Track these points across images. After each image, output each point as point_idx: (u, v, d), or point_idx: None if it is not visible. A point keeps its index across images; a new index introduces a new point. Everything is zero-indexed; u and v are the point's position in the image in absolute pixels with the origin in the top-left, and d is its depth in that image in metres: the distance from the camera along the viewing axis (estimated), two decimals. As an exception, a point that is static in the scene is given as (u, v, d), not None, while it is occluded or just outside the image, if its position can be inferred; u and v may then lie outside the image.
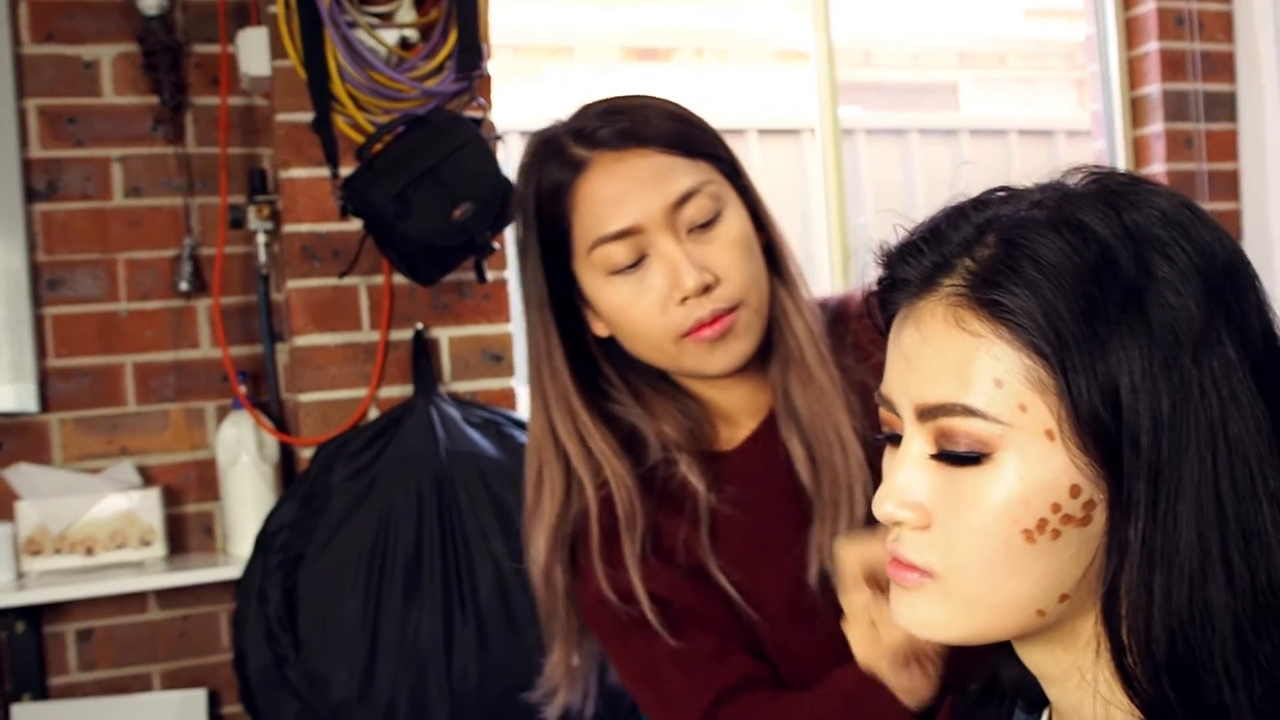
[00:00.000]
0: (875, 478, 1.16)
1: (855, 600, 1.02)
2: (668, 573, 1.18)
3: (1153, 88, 2.89)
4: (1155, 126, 2.89)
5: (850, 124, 5.01)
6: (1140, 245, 0.65)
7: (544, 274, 1.17)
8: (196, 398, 2.42)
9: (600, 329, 1.19)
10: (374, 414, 2.21)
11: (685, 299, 1.11)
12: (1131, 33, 2.93)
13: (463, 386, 2.28)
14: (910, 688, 1.02)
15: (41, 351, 2.32)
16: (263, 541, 2.09)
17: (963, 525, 0.68)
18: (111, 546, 2.23)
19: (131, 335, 2.39)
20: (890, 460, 0.73)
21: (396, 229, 2.00)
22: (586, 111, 1.17)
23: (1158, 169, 2.90)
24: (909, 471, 0.71)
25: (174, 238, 2.41)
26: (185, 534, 2.41)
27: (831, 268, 2.90)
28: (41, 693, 2.27)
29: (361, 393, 2.22)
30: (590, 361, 1.23)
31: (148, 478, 2.37)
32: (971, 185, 0.75)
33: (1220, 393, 0.64)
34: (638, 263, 1.12)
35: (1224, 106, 2.92)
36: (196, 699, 2.31)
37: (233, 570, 2.19)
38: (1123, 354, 0.64)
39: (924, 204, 0.73)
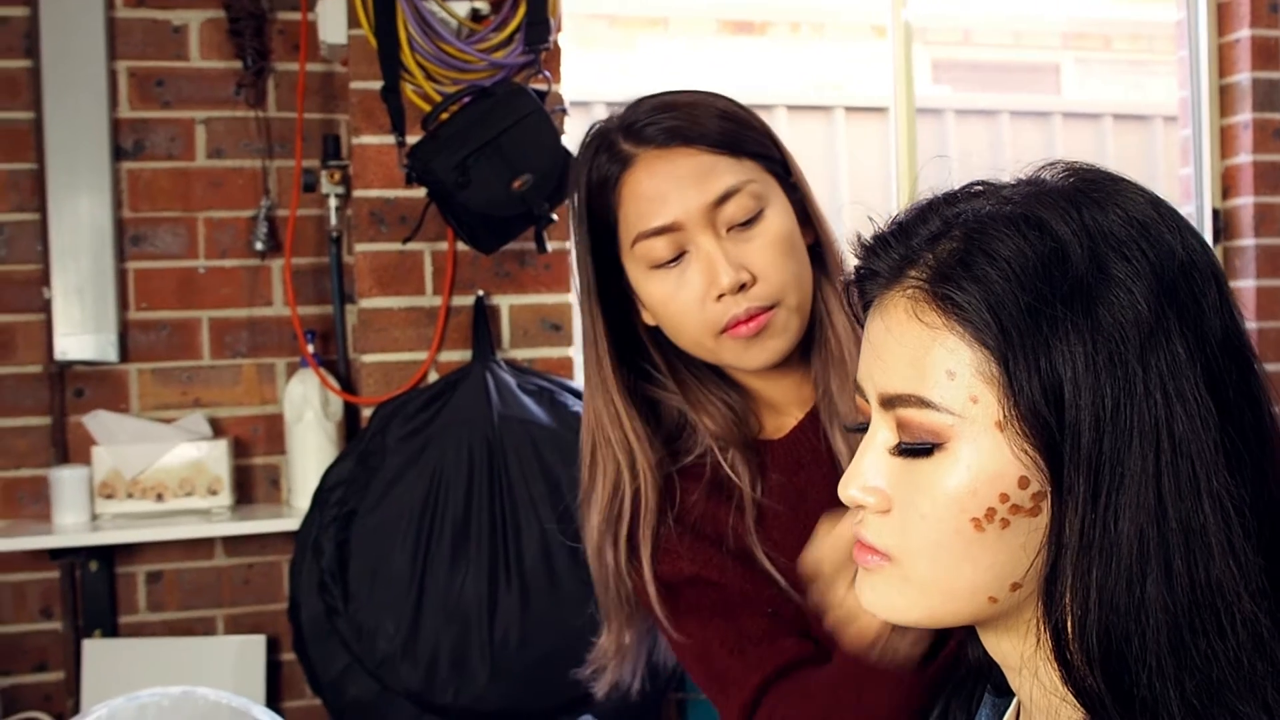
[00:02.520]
0: None
1: (840, 594, 1.02)
2: (719, 556, 1.21)
3: (1242, 76, 2.81)
4: (1243, 115, 2.82)
5: (939, 103, 4.94)
6: (1096, 243, 0.66)
7: (592, 264, 1.21)
8: (268, 354, 2.51)
9: (648, 318, 1.23)
10: (433, 377, 2.27)
11: (721, 296, 1.14)
12: (1223, 18, 2.85)
13: (521, 354, 2.33)
14: (911, 640, 1.03)
15: (123, 304, 2.42)
16: (319, 496, 2.16)
17: (916, 511, 0.70)
18: (180, 494, 2.33)
19: (209, 291, 2.48)
20: (861, 444, 0.75)
21: (457, 198, 2.05)
22: (640, 105, 1.20)
23: (1243, 159, 2.82)
24: (872, 457, 0.73)
25: (252, 199, 2.49)
26: (253, 485, 2.50)
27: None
28: (112, 630, 2.38)
29: (422, 356, 2.28)
30: (641, 348, 1.27)
31: (218, 429, 2.47)
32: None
33: (1166, 391, 0.64)
34: (678, 258, 1.15)
35: (1316, 97, 2.83)
36: (256, 644, 2.40)
37: (295, 522, 2.27)
38: (1067, 350, 0.65)
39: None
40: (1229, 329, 0.67)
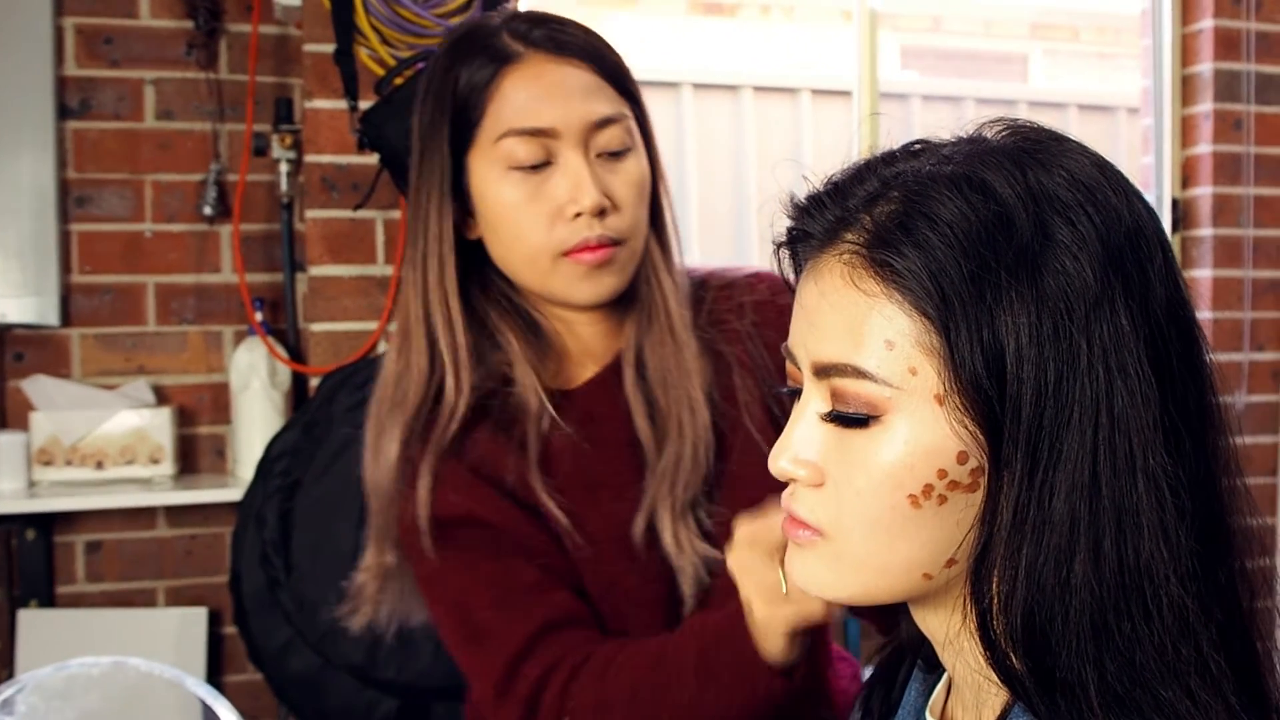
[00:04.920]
0: (718, 442, 1.17)
1: (767, 575, 0.98)
2: (496, 497, 1.15)
3: (1204, 66, 2.81)
4: (1204, 106, 2.81)
5: (906, 88, 4.94)
6: (1041, 207, 0.63)
7: (451, 160, 1.15)
8: (215, 321, 2.46)
9: (475, 231, 1.17)
10: (384, 347, 2.23)
11: (579, 215, 1.10)
12: (1187, 8, 2.85)
13: (474, 327, 2.29)
14: (783, 649, 1.00)
15: (66, 267, 2.36)
16: (264, 466, 2.12)
17: (850, 486, 0.67)
18: (121, 462, 2.28)
19: (155, 256, 2.42)
20: (792, 414, 0.72)
21: (410, 164, 2.00)
22: (524, 14, 1.16)
23: (1203, 149, 2.82)
24: (805, 428, 0.70)
25: (202, 162, 2.43)
26: (197, 455, 2.45)
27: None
28: (49, 600, 2.33)
29: (372, 325, 2.24)
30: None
31: (163, 397, 2.41)
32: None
33: (1108, 365, 0.62)
34: (539, 167, 1.11)
35: (1277, 89, 2.83)
36: (197, 617, 2.36)
37: (239, 492, 2.22)
38: (1011, 320, 0.62)
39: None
40: (1173, 297, 0.65)
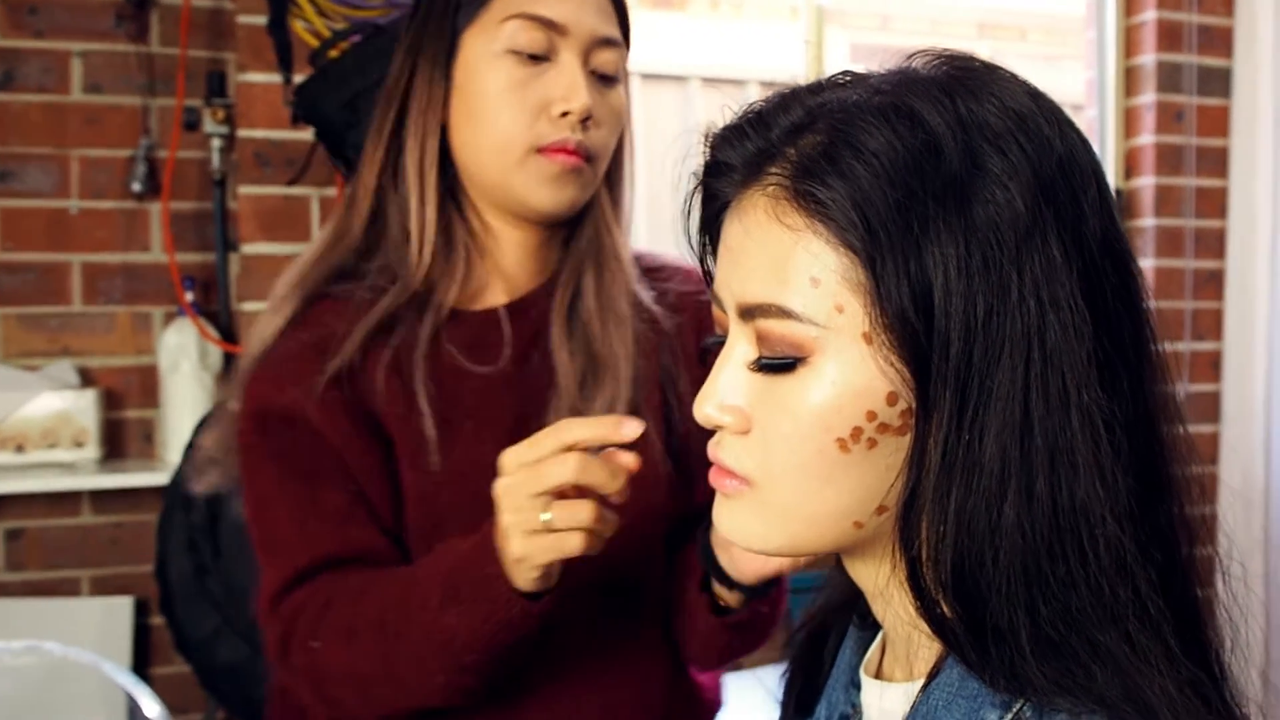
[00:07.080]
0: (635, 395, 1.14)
1: (530, 507, 0.92)
2: (337, 405, 1.09)
3: (1147, 58, 2.82)
4: (1147, 97, 2.82)
5: (854, 84, 4.95)
6: (971, 136, 0.60)
7: (450, 36, 1.13)
8: (145, 302, 2.38)
9: (450, 113, 1.14)
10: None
11: (565, 115, 1.09)
12: (1131, 1, 2.86)
13: (411, 308, 2.24)
14: (534, 580, 0.95)
15: (-13, 244, 2.29)
16: (192, 448, 2.05)
17: (777, 432, 0.63)
18: (43, 445, 2.20)
19: (81, 234, 2.35)
20: (718, 359, 0.69)
21: (347, 138, 1.95)
22: None
23: (1146, 140, 2.83)
24: (730, 373, 0.66)
25: (131, 137, 2.36)
26: (125, 439, 2.38)
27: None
28: (-33, 587, 2.25)
29: (306, 307, 2.18)
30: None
31: (90, 380, 2.34)
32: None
33: (1040, 298, 0.59)
34: (537, 59, 1.10)
35: (1218, 81, 2.84)
36: (122, 606, 2.28)
37: (167, 477, 2.16)
38: (939, 251, 0.58)
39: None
40: (1108, 229, 0.62)
